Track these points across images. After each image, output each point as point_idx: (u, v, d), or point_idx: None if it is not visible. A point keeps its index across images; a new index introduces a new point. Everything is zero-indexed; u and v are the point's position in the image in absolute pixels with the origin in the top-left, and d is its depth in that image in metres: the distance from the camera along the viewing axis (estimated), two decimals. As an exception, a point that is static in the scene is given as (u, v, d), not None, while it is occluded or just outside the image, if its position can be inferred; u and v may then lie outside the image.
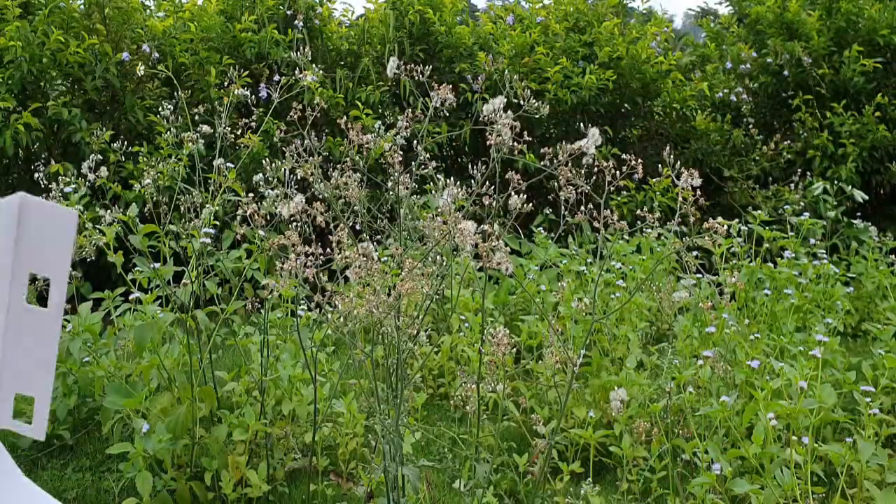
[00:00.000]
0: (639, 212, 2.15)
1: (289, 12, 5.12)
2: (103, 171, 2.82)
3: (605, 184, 1.73)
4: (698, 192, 1.72)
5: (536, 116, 1.85)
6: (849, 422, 2.41)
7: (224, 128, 2.37)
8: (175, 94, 2.81)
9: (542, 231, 4.02)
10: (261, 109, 3.20)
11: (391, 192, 2.04)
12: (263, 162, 1.99)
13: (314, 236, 1.99)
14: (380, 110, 5.14)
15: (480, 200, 1.79)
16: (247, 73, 4.02)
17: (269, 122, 3.23)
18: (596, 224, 1.74)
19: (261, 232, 2.17)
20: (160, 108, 2.69)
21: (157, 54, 4.60)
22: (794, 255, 3.70)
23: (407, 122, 1.81)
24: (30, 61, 4.18)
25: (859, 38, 5.62)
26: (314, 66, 4.35)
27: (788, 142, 5.57)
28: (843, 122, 5.44)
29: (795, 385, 2.15)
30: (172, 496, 2.11)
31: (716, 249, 3.45)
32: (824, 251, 4.00)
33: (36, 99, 4.33)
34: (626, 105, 5.56)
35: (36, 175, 3.49)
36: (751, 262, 3.56)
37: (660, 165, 2.00)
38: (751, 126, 5.69)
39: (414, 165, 2.01)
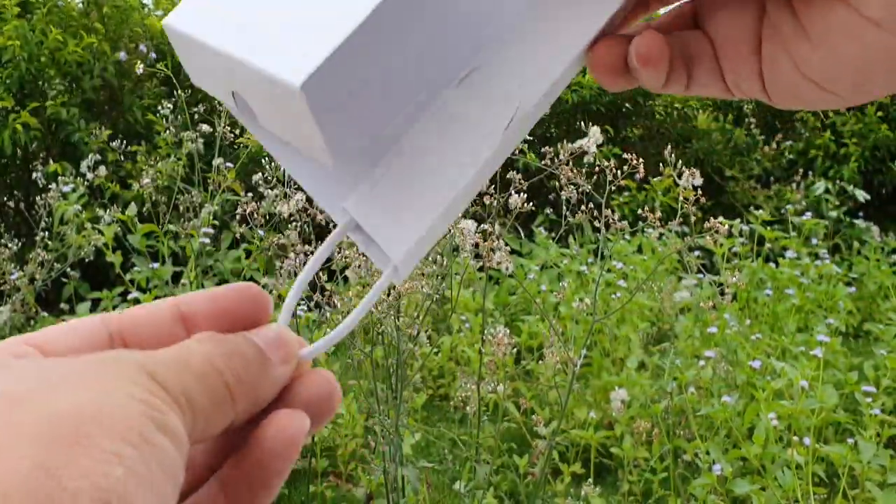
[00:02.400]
0: (640, 211, 2.14)
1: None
2: (102, 170, 2.81)
3: (606, 183, 1.71)
4: (699, 191, 1.71)
5: (537, 115, 1.83)
6: (850, 422, 2.40)
7: (223, 127, 2.35)
8: (174, 93, 2.80)
9: (543, 231, 4.01)
10: (260, 109, 3.18)
11: (391, 192, 2.03)
12: (263, 161, 1.97)
13: (314, 236, 1.98)
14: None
15: (481, 200, 1.78)
16: (246, 72, 4.01)
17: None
18: (597, 224, 1.73)
19: (260, 232, 2.16)
20: (159, 108, 2.68)
21: (155, 53, 4.59)
22: (795, 254, 3.69)
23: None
24: (28, 60, 4.17)
25: (861, 38, 5.61)
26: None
27: (790, 141, 5.56)
28: (845, 122, 5.43)
29: (797, 385, 2.14)
30: (171, 497, 2.10)
31: (717, 249, 3.44)
32: (826, 251, 3.99)
33: (34, 98, 4.32)
34: (626, 104, 5.55)
35: (34, 174, 3.48)
36: (752, 262, 3.54)
37: (661, 165, 1.99)
38: (752, 125, 5.68)
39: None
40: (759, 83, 0.29)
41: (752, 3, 0.29)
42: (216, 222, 2.92)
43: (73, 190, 2.78)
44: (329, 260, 1.86)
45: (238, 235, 2.37)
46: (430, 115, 0.29)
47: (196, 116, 3.02)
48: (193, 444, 0.22)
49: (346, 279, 1.91)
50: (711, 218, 1.73)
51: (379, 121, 0.28)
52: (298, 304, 2.66)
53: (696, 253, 3.61)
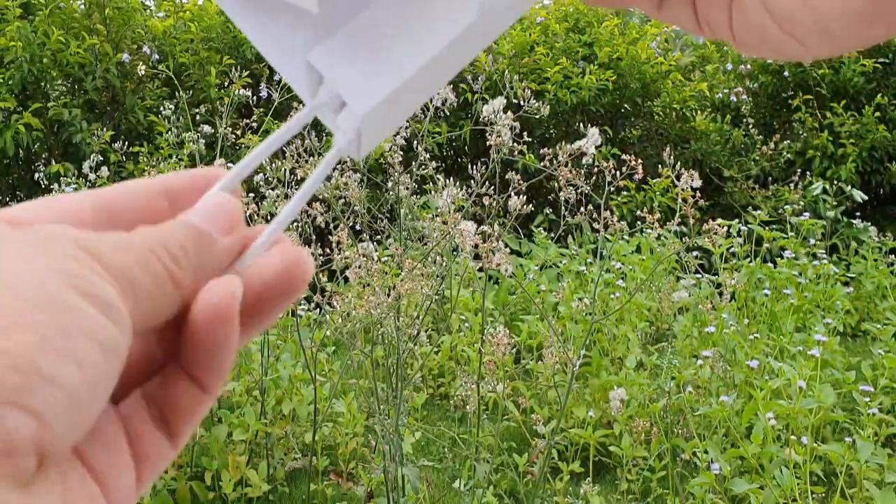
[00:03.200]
0: (639, 212, 2.16)
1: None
2: (104, 171, 2.83)
3: (604, 184, 1.73)
4: (698, 192, 1.73)
5: (536, 117, 1.85)
6: (848, 422, 2.42)
7: (225, 128, 2.37)
8: (176, 94, 2.82)
9: (542, 231, 4.03)
10: (261, 109, 3.20)
11: (391, 193, 2.05)
12: (264, 162, 1.99)
13: (314, 236, 1.99)
14: (380, 110, 5.13)
15: (480, 201, 1.80)
16: (247, 73, 4.03)
17: (269, 123, 3.24)
18: (596, 224, 1.74)
19: (261, 232, 2.17)
20: (161, 109, 2.69)
21: (157, 55, 4.60)
22: (793, 255, 3.70)
23: (406, 122, 1.81)
24: (30, 61, 4.19)
25: (859, 39, 5.62)
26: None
27: (788, 142, 5.58)
28: (842, 123, 5.45)
29: (794, 385, 2.15)
30: (173, 496, 2.12)
31: (715, 249, 3.46)
32: (824, 251, 4.00)
33: (36, 99, 4.33)
34: (625, 105, 5.56)
35: (36, 175, 3.50)
36: (750, 262, 3.56)
37: (660, 166, 2.00)
38: (751, 126, 5.70)
39: (414, 165, 2.02)
40: (727, 17, 0.30)
41: None
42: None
43: (76, 190, 2.79)
44: (329, 260, 1.87)
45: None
46: None
47: (198, 117, 3.04)
48: (143, 327, 0.22)
49: (346, 279, 1.93)
50: (710, 218, 1.75)
51: None
52: (299, 304, 2.67)
53: (695, 253, 3.62)
